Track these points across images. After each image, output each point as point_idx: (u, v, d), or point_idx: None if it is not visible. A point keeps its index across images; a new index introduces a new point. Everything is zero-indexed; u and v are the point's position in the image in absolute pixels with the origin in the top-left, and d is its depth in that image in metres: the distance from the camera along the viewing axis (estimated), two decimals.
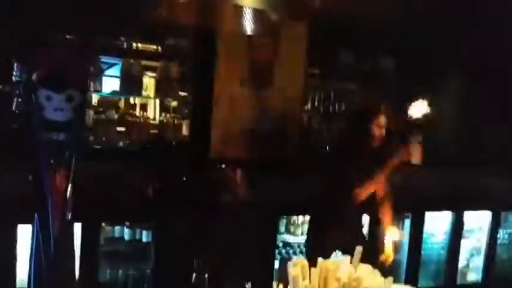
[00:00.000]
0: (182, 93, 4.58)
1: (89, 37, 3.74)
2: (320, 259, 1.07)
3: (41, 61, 2.62)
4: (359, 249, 1.05)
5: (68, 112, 2.55)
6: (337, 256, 2.88)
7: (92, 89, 4.25)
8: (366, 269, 1.05)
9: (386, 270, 1.10)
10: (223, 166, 3.81)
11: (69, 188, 2.56)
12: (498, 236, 4.99)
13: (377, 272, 1.07)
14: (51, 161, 2.51)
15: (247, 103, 4.07)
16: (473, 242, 4.93)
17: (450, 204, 4.61)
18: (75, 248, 2.80)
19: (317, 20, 4.10)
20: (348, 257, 1.07)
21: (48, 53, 2.71)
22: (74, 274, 2.78)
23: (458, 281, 4.81)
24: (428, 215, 4.55)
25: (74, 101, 2.56)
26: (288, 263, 1.08)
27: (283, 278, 1.11)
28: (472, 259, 4.96)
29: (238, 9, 3.97)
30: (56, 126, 2.55)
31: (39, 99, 2.52)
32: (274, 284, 1.08)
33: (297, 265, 1.04)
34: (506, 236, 5.10)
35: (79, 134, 2.71)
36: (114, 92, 4.54)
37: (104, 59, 4.41)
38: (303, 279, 1.02)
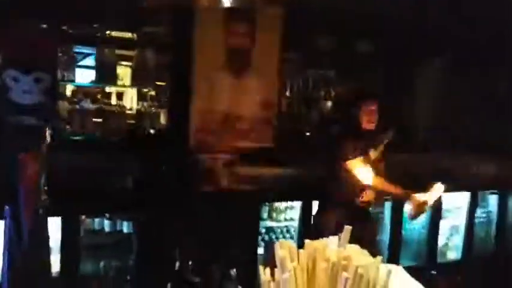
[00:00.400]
0: (159, 83, 4.51)
1: (58, 20, 3.62)
2: (307, 240, 1.05)
3: (8, 40, 2.50)
4: (348, 228, 1.03)
5: (37, 95, 2.43)
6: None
7: (66, 79, 4.15)
8: (354, 249, 1.04)
9: (374, 251, 1.09)
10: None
11: (42, 177, 2.46)
12: (476, 215, 5.08)
13: (365, 252, 1.05)
14: (21, 147, 2.41)
15: (226, 90, 4.03)
16: (452, 222, 5.02)
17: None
18: (49, 239, 2.72)
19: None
20: (336, 237, 1.06)
21: (15, 32, 2.58)
22: (49, 266, 2.71)
23: (438, 260, 4.90)
24: None
25: (43, 83, 2.44)
26: (275, 245, 1.05)
27: (270, 262, 1.09)
28: (451, 238, 5.05)
29: None
30: (24, 109, 2.43)
31: (5, 80, 2.40)
32: (261, 267, 1.05)
33: (284, 246, 1.01)
34: (484, 215, 5.21)
35: (50, 120, 2.60)
36: (89, 82, 4.46)
37: (78, 48, 4.31)
38: (291, 260, 1.00)
